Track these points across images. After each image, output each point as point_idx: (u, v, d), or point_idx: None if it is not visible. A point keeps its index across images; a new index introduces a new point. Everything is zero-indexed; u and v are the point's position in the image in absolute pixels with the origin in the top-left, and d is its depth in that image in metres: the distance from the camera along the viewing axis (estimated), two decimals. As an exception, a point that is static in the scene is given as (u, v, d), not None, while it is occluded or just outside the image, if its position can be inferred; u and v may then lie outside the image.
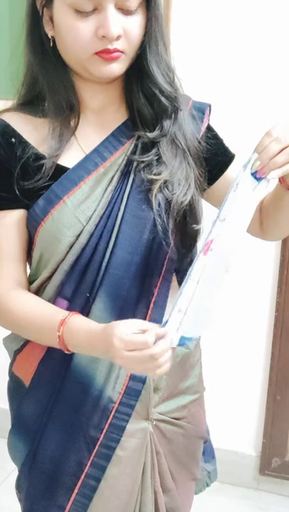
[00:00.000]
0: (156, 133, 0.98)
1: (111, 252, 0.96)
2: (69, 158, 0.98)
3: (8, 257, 0.99)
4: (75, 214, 0.95)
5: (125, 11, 0.88)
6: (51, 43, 0.93)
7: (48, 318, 0.95)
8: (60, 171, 0.97)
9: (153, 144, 0.99)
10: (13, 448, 1.09)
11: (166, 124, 0.99)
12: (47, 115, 0.98)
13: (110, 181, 0.98)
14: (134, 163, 0.98)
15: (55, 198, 0.95)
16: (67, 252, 0.96)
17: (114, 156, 0.99)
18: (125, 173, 0.98)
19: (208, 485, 1.26)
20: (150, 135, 0.98)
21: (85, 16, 0.87)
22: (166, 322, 0.85)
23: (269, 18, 1.85)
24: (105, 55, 0.90)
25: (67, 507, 1.00)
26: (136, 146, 1.00)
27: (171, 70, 0.99)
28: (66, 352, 0.94)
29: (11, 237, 0.99)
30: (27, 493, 1.06)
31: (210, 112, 1.10)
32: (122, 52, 0.91)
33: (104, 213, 0.96)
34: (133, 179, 0.98)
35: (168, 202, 0.97)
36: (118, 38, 0.89)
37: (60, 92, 0.96)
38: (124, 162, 0.99)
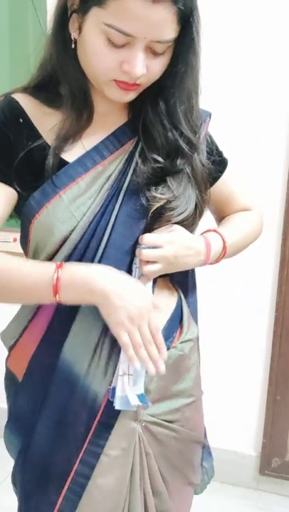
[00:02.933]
0: (166, 163, 0.99)
1: (103, 250, 0.96)
2: (70, 154, 0.98)
3: None
4: (70, 209, 0.96)
5: (153, 51, 0.89)
6: (73, 45, 0.93)
7: (34, 264, 0.94)
8: (59, 164, 0.97)
9: (155, 161, 0.99)
10: (8, 442, 1.10)
11: (179, 162, 1.00)
12: (59, 107, 0.99)
13: (107, 179, 0.98)
14: (133, 165, 0.99)
15: (52, 191, 0.96)
16: (60, 246, 0.96)
17: (114, 156, 1.00)
18: (123, 173, 0.99)
19: (207, 482, 1.26)
20: (160, 160, 0.99)
21: (114, 46, 0.87)
22: (114, 388, 0.97)
23: (266, 26, 1.86)
24: (123, 85, 0.92)
25: (58, 503, 1.00)
26: (136, 147, 1.01)
27: (198, 118, 1.01)
28: (53, 299, 0.92)
29: None
30: (21, 487, 1.07)
31: (210, 119, 1.11)
32: (138, 85, 0.93)
33: (99, 210, 0.97)
34: (130, 179, 0.99)
35: (159, 216, 0.99)
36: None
37: (76, 92, 0.97)
38: (122, 162, 0.99)
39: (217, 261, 1.09)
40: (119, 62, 0.89)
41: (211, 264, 1.09)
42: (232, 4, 1.88)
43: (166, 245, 0.98)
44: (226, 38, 1.88)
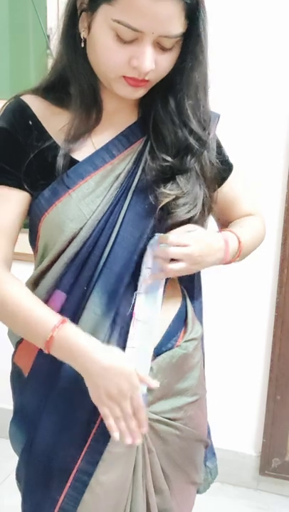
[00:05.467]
0: (176, 162, 1.00)
1: (110, 248, 0.97)
2: (79, 153, 0.99)
3: (4, 233, 0.99)
4: (79, 206, 0.97)
5: (161, 47, 0.90)
6: (82, 44, 0.94)
7: (41, 312, 0.95)
8: (69, 163, 0.98)
9: (165, 160, 1.00)
10: (13, 437, 1.11)
11: (189, 159, 1.01)
12: (68, 107, 1.00)
13: (117, 178, 0.99)
14: (142, 164, 1.00)
15: (62, 190, 0.97)
16: (69, 244, 0.97)
17: (123, 154, 1.01)
18: (132, 173, 1.00)
19: (211, 481, 1.26)
20: (169, 160, 0.99)
21: (123, 42, 0.88)
22: None
23: (266, 25, 1.86)
24: (132, 81, 0.93)
25: (60, 500, 1.01)
26: (145, 146, 1.01)
27: (207, 113, 1.02)
28: (44, 350, 0.95)
29: (10, 214, 0.99)
30: (25, 482, 1.08)
31: (218, 121, 1.11)
32: (148, 81, 0.94)
33: (108, 209, 0.98)
34: (139, 179, 1.00)
35: (168, 213, 0.99)
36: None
37: (85, 91, 0.98)
38: (132, 161, 1.00)
39: (231, 261, 1.08)
40: (128, 58, 0.90)
41: (226, 263, 1.08)
42: (232, 4, 1.88)
43: (194, 244, 0.97)
44: (227, 37, 1.88)
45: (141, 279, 1.00)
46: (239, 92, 1.92)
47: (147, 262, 0.99)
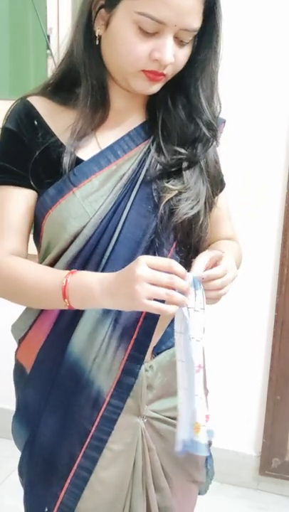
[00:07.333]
0: (187, 153, 1.01)
1: (113, 248, 0.98)
2: (84, 151, 1.00)
3: (13, 229, 1.00)
4: (83, 205, 0.97)
5: (179, 41, 0.93)
6: (97, 41, 0.95)
7: (50, 273, 0.96)
8: (74, 161, 0.99)
9: (174, 152, 1.01)
10: (15, 433, 1.12)
11: (199, 150, 1.02)
12: (74, 106, 1.01)
13: (121, 178, 1.00)
14: (147, 165, 1.00)
15: (66, 188, 0.98)
16: (72, 242, 0.98)
17: (128, 155, 1.01)
18: (136, 173, 1.00)
19: (210, 482, 1.27)
20: (180, 151, 1.01)
21: (145, 35, 0.90)
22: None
23: (267, 25, 1.86)
24: (151, 75, 0.94)
25: (61, 495, 1.02)
26: (151, 146, 1.02)
27: (218, 102, 1.04)
28: (68, 308, 0.93)
29: (19, 211, 1.00)
30: (27, 478, 1.09)
31: (224, 127, 1.11)
32: (165, 75, 0.95)
33: (111, 208, 0.98)
34: (143, 179, 1.00)
35: (171, 211, 0.99)
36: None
37: (94, 89, 0.99)
38: (136, 161, 1.01)
39: None
40: (149, 52, 0.91)
41: None
42: (233, 4, 1.88)
43: (231, 270, 0.95)
44: (227, 37, 1.88)
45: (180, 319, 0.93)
46: (240, 94, 1.92)
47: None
